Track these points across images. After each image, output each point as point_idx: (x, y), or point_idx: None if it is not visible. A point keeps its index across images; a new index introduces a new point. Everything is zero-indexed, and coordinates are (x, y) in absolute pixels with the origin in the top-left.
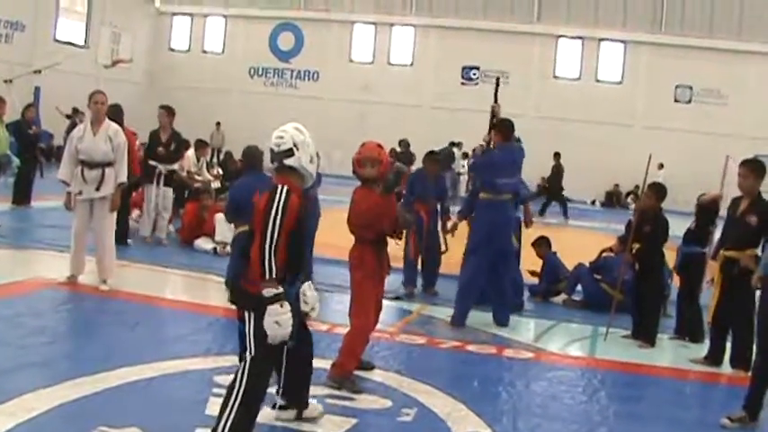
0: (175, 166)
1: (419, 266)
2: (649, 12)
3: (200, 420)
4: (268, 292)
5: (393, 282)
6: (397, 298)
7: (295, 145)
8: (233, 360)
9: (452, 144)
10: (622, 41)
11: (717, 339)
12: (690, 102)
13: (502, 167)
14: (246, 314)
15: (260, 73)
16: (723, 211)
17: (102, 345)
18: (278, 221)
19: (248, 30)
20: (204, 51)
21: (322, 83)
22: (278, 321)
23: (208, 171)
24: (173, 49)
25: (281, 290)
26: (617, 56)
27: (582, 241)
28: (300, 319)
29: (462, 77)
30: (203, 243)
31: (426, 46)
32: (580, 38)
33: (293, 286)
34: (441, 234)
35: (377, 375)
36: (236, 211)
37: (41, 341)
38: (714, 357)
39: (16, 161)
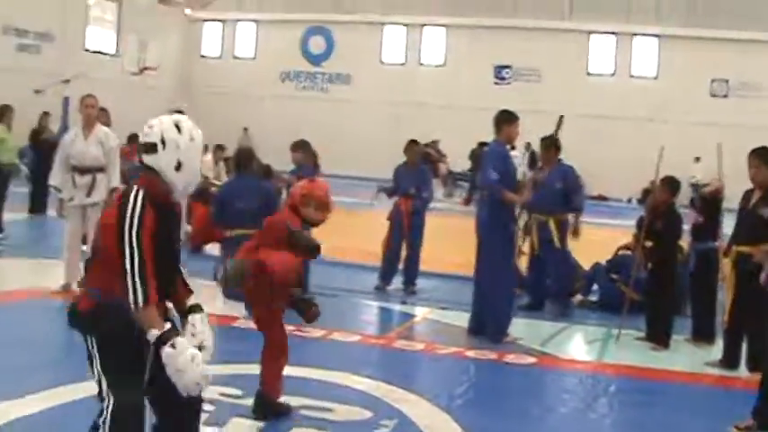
0: None
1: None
2: (683, 5)
3: None
4: (152, 334)
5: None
6: (403, 302)
7: (162, 141)
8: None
9: (481, 144)
10: (656, 36)
11: (732, 341)
12: (726, 96)
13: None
14: (88, 341)
15: (291, 77)
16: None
17: (85, 354)
18: (134, 238)
19: (279, 34)
20: (236, 57)
21: (354, 86)
22: (179, 368)
23: (227, 175)
24: (204, 56)
25: (168, 325)
26: (651, 51)
27: (605, 240)
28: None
29: (495, 77)
30: (212, 248)
31: (458, 46)
32: (613, 33)
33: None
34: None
35: (362, 385)
36: (219, 213)
37: (20, 351)
38: (729, 360)
39: (24, 170)
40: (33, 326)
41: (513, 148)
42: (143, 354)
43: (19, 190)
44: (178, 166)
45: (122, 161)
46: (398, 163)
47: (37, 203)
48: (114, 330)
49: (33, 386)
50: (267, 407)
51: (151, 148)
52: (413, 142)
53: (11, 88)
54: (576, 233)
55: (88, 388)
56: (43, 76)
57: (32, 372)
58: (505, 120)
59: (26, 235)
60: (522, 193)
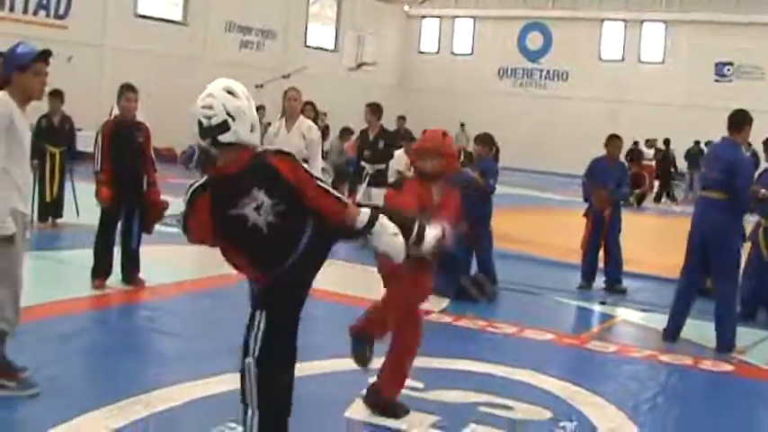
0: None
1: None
2: None
3: (334, 422)
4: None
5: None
6: (602, 302)
7: (229, 115)
8: None
9: (697, 143)
10: None
11: None
12: None
13: (707, 161)
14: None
15: (509, 74)
16: None
17: None
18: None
19: (497, 30)
20: (453, 53)
21: (571, 82)
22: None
23: None
24: (422, 52)
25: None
26: None
27: None
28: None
29: (715, 74)
30: None
31: (678, 42)
32: None
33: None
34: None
35: (547, 384)
36: None
37: (209, 334)
38: None
39: None
40: (234, 310)
41: None
42: None
43: None
44: (251, 128)
45: (338, 154)
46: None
47: None
48: None
49: (222, 367)
50: (381, 407)
51: (223, 126)
52: (615, 137)
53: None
54: None
55: None
56: (265, 72)
57: (224, 353)
58: (749, 120)
59: None
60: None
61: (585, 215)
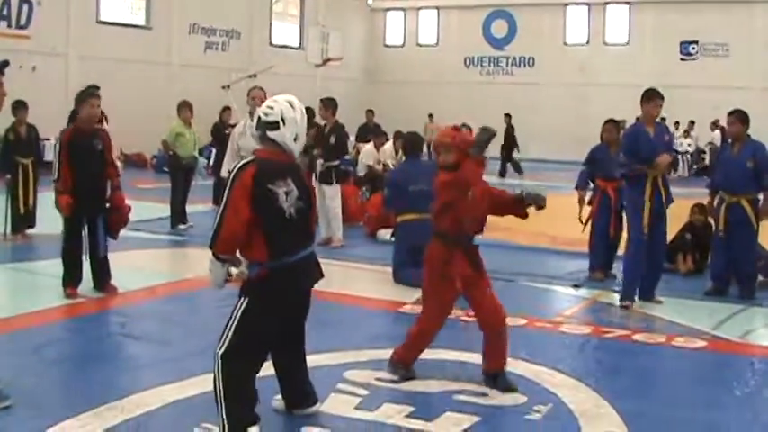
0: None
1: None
2: None
3: (308, 418)
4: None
5: (578, 265)
6: (575, 286)
7: (282, 119)
8: (370, 354)
9: (662, 119)
10: None
11: None
12: None
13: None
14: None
15: (475, 63)
16: None
17: None
18: (225, 197)
19: (461, 20)
20: (419, 45)
21: (538, 68)
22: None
23: None
24: (387, 45)
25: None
26: None
27: None
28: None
29: (681, 53)
30: (385, 234)
31: (642, 23)
32: None
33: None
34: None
35: (521, 369)
36: (392, 198)
37: (183, 337)
38: None
39: (203, 162)
40: (203, 313)
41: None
42: None
43: (208, 183)
44: (295, 138)
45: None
46: (593, 145)
47: (219, 195)
48: None
49: (195, 369)
50: (394, 367)
51: (274, 125)
52: (609, 122)
53: (200, 85)
54: (765, 214)
55: None
56: (231, 72)
57: (198, 356)
58: None
59: (209, 225)
60: None
61: (590, 203)
